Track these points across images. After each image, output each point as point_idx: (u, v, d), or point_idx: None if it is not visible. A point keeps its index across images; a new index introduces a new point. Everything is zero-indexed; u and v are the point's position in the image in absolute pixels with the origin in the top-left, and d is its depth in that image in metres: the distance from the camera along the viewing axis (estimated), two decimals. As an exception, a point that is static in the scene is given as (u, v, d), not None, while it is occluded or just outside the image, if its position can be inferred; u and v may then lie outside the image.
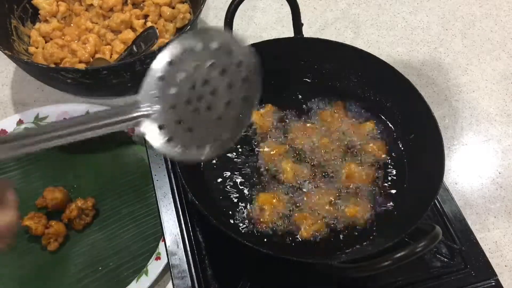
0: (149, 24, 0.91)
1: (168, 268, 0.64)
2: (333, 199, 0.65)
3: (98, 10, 0.91)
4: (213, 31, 0.40)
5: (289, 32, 0.80)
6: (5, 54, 0.76)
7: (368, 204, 0.65)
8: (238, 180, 0.67)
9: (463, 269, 0.65)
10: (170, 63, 0.40)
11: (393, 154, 0.71)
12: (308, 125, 0.73)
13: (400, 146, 0.72)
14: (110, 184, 0.75)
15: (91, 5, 0.92)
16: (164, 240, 0.65)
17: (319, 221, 0.63)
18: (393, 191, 0.67)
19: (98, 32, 0.89)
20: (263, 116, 0.73)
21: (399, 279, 0.64)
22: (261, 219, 0.63)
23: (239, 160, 0.69)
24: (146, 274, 0.66)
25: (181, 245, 0.64)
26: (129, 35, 0.88)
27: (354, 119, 0.74)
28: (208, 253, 0.65)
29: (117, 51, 0.87)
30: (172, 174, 0.70)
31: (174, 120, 0.40)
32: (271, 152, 0.69)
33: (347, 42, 0.76)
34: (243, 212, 0.64)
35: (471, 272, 0.64)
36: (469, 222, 0.69)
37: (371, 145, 0.71)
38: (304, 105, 0.76)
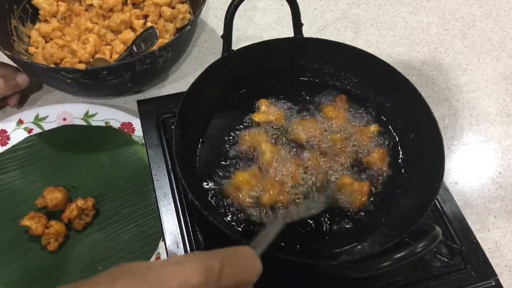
0: (149, 24, 0.91)
1: (168, 268, 0.64)
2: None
3: (98, 10, 0.91)
4: None
5: (289, 32, 0.80)
6: (5, 54, 0.76)
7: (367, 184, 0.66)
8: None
9: (463, 269, 0.65)
10: None
11: (393, 154, 0.71)
12: (308, 125, 0.73)
13: (400, 146, 0.72)
14: (110, 184, 0.75)
15: (91, 5, 0.92)
16: (164, 240, 0.65)
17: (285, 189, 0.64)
18: (393, 191, 0.67)
19: (98, 32, 0.89)
20: (268, 112, 0.73)
21: (399, 279, 0.64)
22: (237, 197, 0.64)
23: (240, 160, 0.69)
24: (146, 274, 0.66)
25: (181, 245, 0.64)
26: (129, 35, 0.88)
27: (355, 121, 0.74)
28: (208, 253, 0.65)
29: (117, 51, 0.87)
30: (172, 174, 0.70)
31: None
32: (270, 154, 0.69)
33: (347, 42, 0.76)
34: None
35: (471, 272, 0.64)
36: (469, 222, 0.69)
37: (373, 154, 0.70)
38: (303, 106, 0.76)
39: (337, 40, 0.75)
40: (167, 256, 0.63)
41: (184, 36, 0.81)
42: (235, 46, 0.75)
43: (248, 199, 0.64)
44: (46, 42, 0.88)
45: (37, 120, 0.81)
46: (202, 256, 0.37)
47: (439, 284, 0.63)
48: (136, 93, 0.88)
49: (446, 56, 0.97)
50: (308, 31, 0.97)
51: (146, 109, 0.78)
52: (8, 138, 0.80)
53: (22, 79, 0.82)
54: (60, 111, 0.82)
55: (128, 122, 0.81)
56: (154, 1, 0.93)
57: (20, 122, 0.81)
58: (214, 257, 0.37)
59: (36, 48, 0.87)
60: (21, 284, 0.66)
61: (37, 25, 0.91)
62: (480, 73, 0.95)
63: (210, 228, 0.66)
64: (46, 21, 0.91)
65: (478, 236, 0.69)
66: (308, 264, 0.58)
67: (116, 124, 0.81)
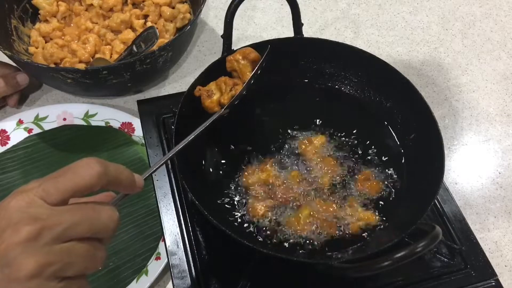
0: (149, 24, 0.91)
1: (168, 268, 0.64)
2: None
3: (98, 10, 0.91)
4: None
5: (289, 32, 0.80)
6: (5, 54, 0.76)
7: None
8: (239, 181, 0.67)
9: (463, 269, 0.64)
10: None
11: (393, 154, 0.71)
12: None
13: (400, 146, 0.72)
14: (110, 184, 0.75)
15: (91, 5, 0.92)
16: (164, 240, 0.65)
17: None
18: (393, 191, 0.67)
19: (98, 32, 0.89)
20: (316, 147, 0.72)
21: (399, 279, 0.64)
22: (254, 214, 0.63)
23: (240, 161, 0.69)
24: (146, 274, 0.66)
25: (181, 245, 0.64)
26: (129, 35, 0.88)
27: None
28: (208, 253, 0.65)
29: (117, 51, 0.87)
30: (172, 174, 0.70)
31: None
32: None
33: (347, 42, 0.76)
34: (243, 212, 0.64)
35: (471, 272, 0.64)
36: (469, 222, 0.69)
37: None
38: (304, 106, 0.76)
39: (337, 40, 0.75)
40: (167, 256, 0.63)
41: (184, 36, 0.81)
42: (235, 46, 0.75)
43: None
44: (46, 42, 0.88)
45: (37, 120, 0.81)
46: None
47: (439, 284, 0.63)
48: (136, 93, 0.88)
49: (446, 56, 0.97)
50: (308, 31, 0.97)
51: (146, 109, 0.78)
52: (8, 138, 0.80)
53: (22, 78, 0.82)
54: (60, 111, 0.82)
55: (128, 122, 0.81)
56: (154, 1, 0.93)
57: (20, 122, 0.81)
58: (34, 182, 0.40)
59: (36, 48, 0.87)
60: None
61: (37, 25, 0.91)
62: (480, 73, 0.95)
63: (210, 228, 0.66)
64: (46, 21, 0.91)
65: (478, 236, 0.68)
66: (308, 264, 0.58)
67: (116, 124, 0.81)
